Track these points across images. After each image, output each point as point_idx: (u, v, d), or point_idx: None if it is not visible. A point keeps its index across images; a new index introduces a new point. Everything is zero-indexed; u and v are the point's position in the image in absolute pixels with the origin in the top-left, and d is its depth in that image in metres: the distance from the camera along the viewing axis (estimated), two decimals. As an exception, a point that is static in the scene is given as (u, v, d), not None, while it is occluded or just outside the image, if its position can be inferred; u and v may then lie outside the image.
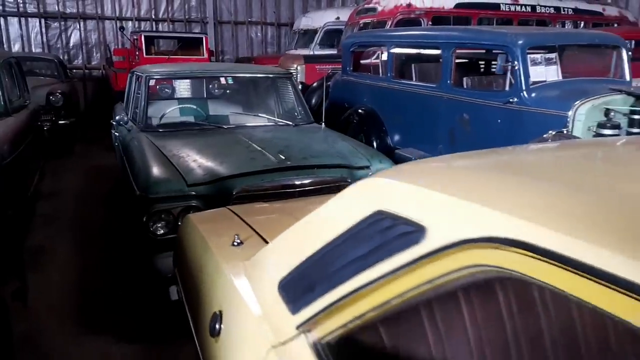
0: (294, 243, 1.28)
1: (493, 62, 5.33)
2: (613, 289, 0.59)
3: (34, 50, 11.30)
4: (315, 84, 9.08)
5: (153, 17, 12.31)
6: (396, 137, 5.65)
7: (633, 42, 9.47)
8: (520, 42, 4.19)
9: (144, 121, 4.05)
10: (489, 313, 1.29)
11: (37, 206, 5.14)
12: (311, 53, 10.89)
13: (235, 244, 1.70)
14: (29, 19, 11.38)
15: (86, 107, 10.95)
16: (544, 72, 4.27)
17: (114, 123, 4.69)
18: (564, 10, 10.80)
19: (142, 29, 11.54)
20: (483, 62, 6.18)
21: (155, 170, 3.09)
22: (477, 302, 1.28)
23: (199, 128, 4.05)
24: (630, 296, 0.58)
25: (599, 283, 0.61)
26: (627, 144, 1.34)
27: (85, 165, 7.12)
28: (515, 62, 4.16)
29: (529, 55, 4.19)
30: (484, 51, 5.52)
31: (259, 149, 3.42)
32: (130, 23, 12.05)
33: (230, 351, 1.34)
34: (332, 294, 1.03)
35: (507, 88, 4.30)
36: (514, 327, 1.29)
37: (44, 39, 11.54)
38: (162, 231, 2.94)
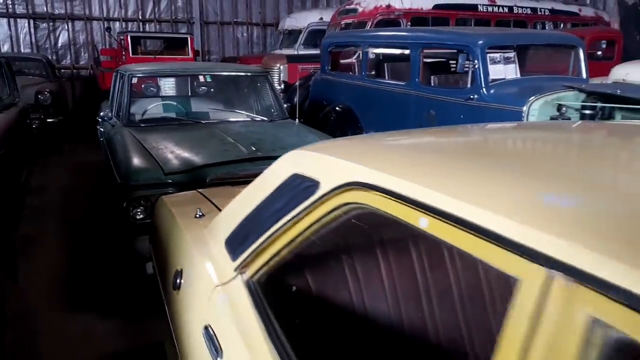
0: (236, 208, 1.56)
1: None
2: (425, 213, 0.87)
3: (22, 51, 11.48)
4: (297, 83, 9.37)
5: (140, 17, 12.53)
6: (370, 133, 5.95)
7: (605, 42, 9.85)
8: (480, 42, 4.49)
9: (127, 117, 4.31)
10: (403, 268, 1.58)
11: (26, 200, 5.37)
12: (295, 53, 11.13)
13: (197, 216, 1.97)
14: (18, 19, 11.56)
15: (74, 106, 11.13)
16: (503, 70, 4.58)
17: (99, 119, 4.94)
18: (540, 11, 11.12)
19: (129, 29, 11.75)
20: (454, 62, 6.49)
21: (136, 161, 3.35)
22: (392, 258, 1.58)
23: (178, 123, 4.32)
24: (427, 213, 0.86)
25: (419, 210, 0.89)
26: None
27: (72, 162, 7.34)
28: (476, 61, 4.46)
29: (488, 55, 4.50)
30: (453, 51, 5.82)
31: (233, 141, 3.69)
32: (117, 24, 12.26)
33: (186, 298, 1.61)
34: (258, 240, 1.31)
35: (468, 85, 4.60)
36: (426, 281, 1.58)
37: (33, 40, 11.73)
38: (141, 216, 3.21)
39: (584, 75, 5.01)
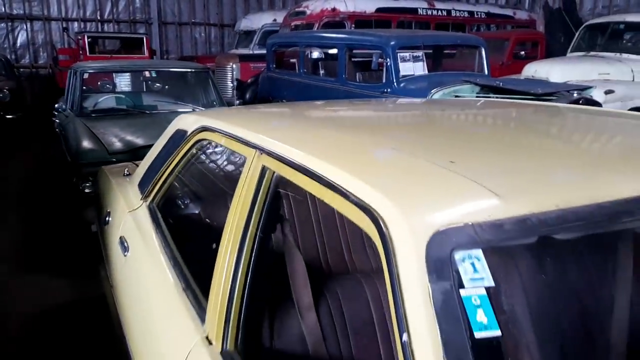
0: (145, 160, 2.18)
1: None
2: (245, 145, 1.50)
3: (-20, 50, 11.72)
4: (249, 81, 9.98)
5: (98, 18, 12.88)
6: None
7: (531, 43, 10.76)
8: (392, 43, 5.20)
9: (79, 108, 4.84)
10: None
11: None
12: (250, 52, 11.66)
13: (125, 174, 2.57)
14: (-24, 19, 11.80)
15: (33, 104, 11.42)
16: (412, 67, 5.29)
17: (55, 111, 5.44)
18: (477, 14, 11.95)
19: (87, 29, 12.11)
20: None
21: (84, 143, 3.91)
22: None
23: (125, 113, 4.88)
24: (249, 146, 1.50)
25: (241, 143, 1.52)
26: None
27: (29, 155, 7.75)
28: (388, 60, 5.16)
29: (399, 54, 5.20)
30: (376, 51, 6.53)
31: (172, 127, 4.28)
32: (76, 24, 12.59)
33: (110, 226, 2.22)
34: (155, 177, 1.93)
35: (383, 81, 5.30)
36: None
37: (-9, 39, 11.97)
38: (88, 190, 3.76)
39: (486, 71, 5.78)
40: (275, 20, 12.20)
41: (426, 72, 5.37)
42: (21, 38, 12.37)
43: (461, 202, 0.76)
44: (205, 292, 1.29)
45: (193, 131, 1.69)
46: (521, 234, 0.75)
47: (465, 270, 0.68)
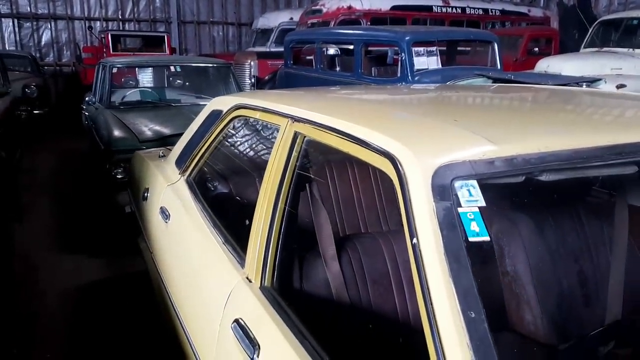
0: (182, 139, 2.40)
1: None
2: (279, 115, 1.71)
3: (7, 49, 12.10)
4: (267, 77, 10.21)
5: (120, 17, 13.22)
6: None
7: (544, 39, 10.83)
8: (407, 38, 5.37)
9: (108, 101, 5.10)
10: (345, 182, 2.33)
11: (19, 178, 6.11)
12: (268, 50, 11.90)
13: (160, 156, 2.80)
14: (3, 19, 12.19)
15: (57, 101, 11.80)
16: (426, 61, 5.46)
17: (84, 105, 5.72)
18: (491, 12, 12.02)
19: (109, 28, 12.44)
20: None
21: (116, 132, 4.16)
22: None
23: (152, 106, 5.12)
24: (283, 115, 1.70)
25: (274, 114, 1.72)
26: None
27: (57, 148, 8.07)
28: (403, 54, 5.34)
29: (414, 49, 5.37)
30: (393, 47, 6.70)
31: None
32: (98, 23, 12.94)
33: (149, 201, 2.44)
34: (193, 153, 2.14)
35: (398, 75, 5.48)
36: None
37: (17, 38, 12.36)
38: (120, 176, 4.01)
39: (499, 65, 5.92)
40: (292, 18, 12.42)
41: (440, 66, 5.53)
42: (45, 37, 12.75)
43: (461, 146, 0.95)
44: (243, 244, 1.50)
45: (229, 109, 1.90)
46: (510, 171, 0.94)
47: (462, 194, 0.87)
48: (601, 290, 1.95)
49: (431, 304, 0.76)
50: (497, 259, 1.76)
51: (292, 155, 1.39)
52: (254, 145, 2.14)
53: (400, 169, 0.93)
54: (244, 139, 2.13)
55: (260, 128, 1.98)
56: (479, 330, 0.72)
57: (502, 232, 1.71)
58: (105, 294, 3.46)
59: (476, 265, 0.79)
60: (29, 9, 12.28)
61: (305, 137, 1.38)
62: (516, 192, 1.92)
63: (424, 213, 0.85)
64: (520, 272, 1.70)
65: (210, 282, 1.55)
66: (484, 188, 0.93)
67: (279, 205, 1.37)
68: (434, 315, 0.75)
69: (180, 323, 1.70)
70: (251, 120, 1.82)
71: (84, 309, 3.29)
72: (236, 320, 1.28)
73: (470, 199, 0.87)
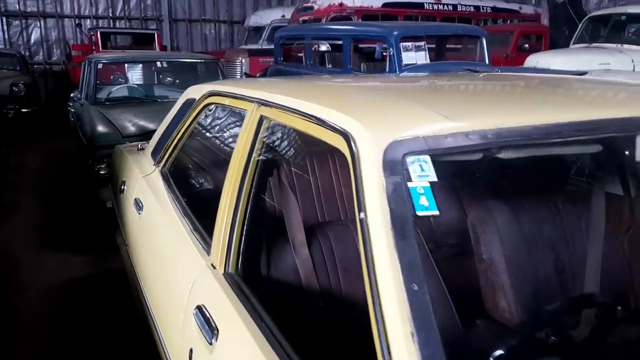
0: (157, 131, 2.37)
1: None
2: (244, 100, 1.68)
3: (-5, 47, 12.02)
4: (258, 75, 10.17)
5: (110, 15, 13.14)
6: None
7: (535, 36, 10.84)
8: (395, 33, 5.35)
9: (94, 97, 5.06)
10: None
11: (5, 176, 6.06)
12: (259, 47, 11.86)
13: (139, 149, 2.77)
14: (-9, 17, 12.10)
15: (47, 100, 11.71)
16: (414, 56, 5.44)
17: (70, 102, 5.67)
18: (483, 9, 12.03)
19: (99, 26, 12.37)
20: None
21: (99, 127, 4.12)
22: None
23: (138, 102, 5.08)
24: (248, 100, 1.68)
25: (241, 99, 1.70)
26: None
27: (45, 147, 8.00)
28: (391, 49, 5.32)
29: (402, 44, 5.35)
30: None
31: (182, 113, 4.48)
32: (88, 21, 12.86)
33: (125, 193, 2.41)
34: (167, 143, 2.12)
35: (387, 70, 5.45)
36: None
37: (6, 36, 12.26)
38: (103, 171, 3.97)
39: (487, 61, 5.91)
40: (283, 16, 12.39)
41: (428, 61, 5.51)
42: (35, 35, 12.65)
43: (415, 122, 0.93)
44: (210, 232, 1.47)
45: (201, 96, 1.87)
46: (465, 146, 0.92)
47: (414, 170, 0.85)
48: (578, 278, 1.94)
49: (375, 277, 0.74)
50: (473, 246, 1.75)
51: (258, 138, 1.36)
52: (226, 133, 2.11)
53: (353, 145, 0.91)
54: (216, 127, 2.10)
55: (231, 115, 1.95)
56: (422, 302, 0.70)
57: (477, 220, 1.69)
58: (86, 291, 3.42)
59: (424, 239, 0.77)
60: (17, 6, 12.19)
61: (270, 120, 1.35)
62: (491, 178, 1.90)
63: (373, 188, 0.83)
64: (496, 259, 1.68)
65: (177, 270, 1.53)
66: (449, 167, 0.91)
67: (244, 190, 1.35)
68: (377, 289, 0.73)
69: (149, 312, 1.67)
70: (223, 107, 1.80)
71: (66, 305, 3.25)
72: (198, 307, 1.26)
73: (422, 174, 0.85)
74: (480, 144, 0.93)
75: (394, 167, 0.84)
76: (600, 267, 1.95)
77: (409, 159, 0.86)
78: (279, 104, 1.27)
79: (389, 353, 0.68)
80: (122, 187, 2.51)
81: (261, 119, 1.37)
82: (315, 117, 1.07)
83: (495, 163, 2.05)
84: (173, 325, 1.38)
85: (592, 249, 1.97)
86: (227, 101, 1.67)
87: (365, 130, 0.92)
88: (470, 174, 1.90)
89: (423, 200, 0.81)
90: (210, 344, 1.12)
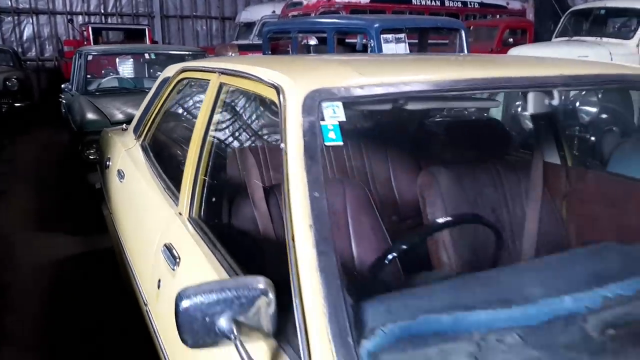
0: (139, 111, 2.56)
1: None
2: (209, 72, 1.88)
3: (-12, 43, 12.15)
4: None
5: (102, 11, 13.29)
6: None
7: (520, 30, 11.07)
8: (375, 25, 5.55)
9: (84, 87, 5.24)
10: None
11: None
12: (249, 42, 12.01)
13: (123, 129, 2.96)
14: (-17, 14, 12.23)
15: (40, 96, 11.87)
16: (395, 48, 5.64)
17: (62, 94, 5.86)
18: (470, 4, 12.24)
19: (91, 22, 12.52)
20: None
21: (89, 114, 4.31)
22: None
23: (126, 92, 5.27)
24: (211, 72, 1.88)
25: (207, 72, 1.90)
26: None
27: (38, 140, 8.18)
28: (372, 41, 5.52)
29: (382, 36, 5.55)
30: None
31: (168, 101, 4.68)
32: (80, 17, 13.00)
33: (110, 169, 2.61)
34: (145, 118, 2.32)
35: (367, 60, 5.65)
36: None
37: (-2, 33, 12.41)
38: (92, 156, 4.16)
39: (465, 52, 6.12)
40: (274, 11, 12.53)
41: (408, 52, 5.72)
42: (27, 32, 12.78)
43: (334, 76, 1.14)
44: (179, 188, 1.67)
45: (175, 73, 2.07)
46: (372, 96, 1.12)
47: (327, 113, 1.05)
48: (517, 236, 2.16)
49: (288, 188, 0.95)
50: (421, 207, 1.96)
51: (218, 102, 1.57)
52: (196, 104, 2.32)
53: (282, 95, 1.11)
54: (188, 99, 2.31)
55: (200, 87, 2.14)
56: (320, 205, 0.91)
57: (423, 184, 1.91)
58: (76, 266, 3.62)
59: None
60: (9, 3, 12.31)
61: (229, 87, 1.56)
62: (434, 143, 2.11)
63: (293, 125, 1.03)
64: (438, 218, 1.90)
65: (151, 220, 1.73)
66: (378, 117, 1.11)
67: (206, 147, 1.55)
68: (289, 196, 0.94)
69: (128, 261, 1.88)
70: (193, 82, 2.00)
71: (57, 279, 3.45)
72: (165, 244, 1.46)
73: (334, 115, 1.05)
74: (385, 95, 1.13)
75: (311, 110, 1.04)
76: (537, 227, 2.17)
77: (324, 104, 1.06)
78: (234, 70, 1.48)
79: (293, 239, 0.89)
80: (107, 162, 2.70)
81: (221, 86, 1.57)
82: (256, 76, 1.27)
83: (436, 125, 2.28)
84: (146, 264, 1.58)
85: (530, 211, 2.19)
86: (196, 75, 1.87)
87: (291, 83, 1.12)
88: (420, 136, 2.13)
89: (331, 135, 1.02)
90: (174, 269, 1.33)
